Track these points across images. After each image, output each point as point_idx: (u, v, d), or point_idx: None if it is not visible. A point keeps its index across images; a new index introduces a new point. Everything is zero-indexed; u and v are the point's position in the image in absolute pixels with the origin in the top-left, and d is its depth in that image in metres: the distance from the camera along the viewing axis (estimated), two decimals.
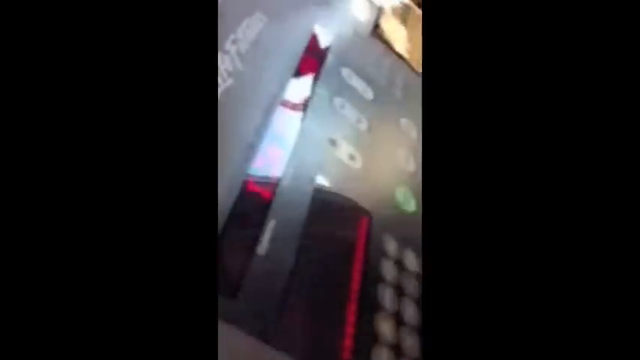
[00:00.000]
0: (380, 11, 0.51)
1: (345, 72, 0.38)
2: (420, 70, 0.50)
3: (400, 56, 0.49)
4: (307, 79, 0.34)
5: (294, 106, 0.31)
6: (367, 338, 0.24)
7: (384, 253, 0.29)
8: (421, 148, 0.39)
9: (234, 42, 0.28)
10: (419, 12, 0.61)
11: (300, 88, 0.33)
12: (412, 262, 0.30)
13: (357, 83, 0.38)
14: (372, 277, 0.27)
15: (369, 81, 0.40)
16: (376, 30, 0.48)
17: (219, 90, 0.26)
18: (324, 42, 0.38)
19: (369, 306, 0.26)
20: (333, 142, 0.32)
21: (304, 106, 0.32)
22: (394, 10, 0.55)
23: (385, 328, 0.26)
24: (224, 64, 0.27)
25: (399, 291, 0.28)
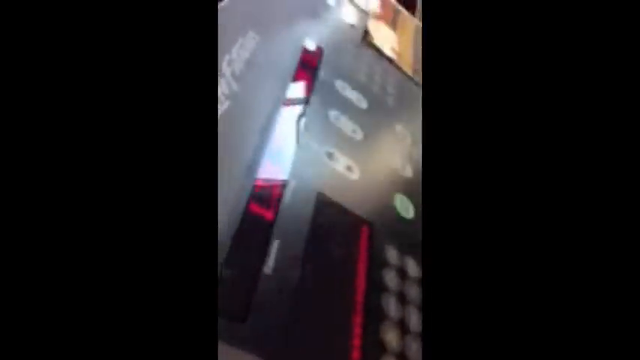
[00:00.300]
0: (368, 17, 0.52)
1: (339, 84, 0.38)
2: (411, 73, 0.50)
3: (391, 60, 0.49)
4: (302, 95, 0.35)
5: (290, 123, 0.32)
6: (374, 349, 0.25)
7: (385, 262, 0.30)
8: (416, 154, 0.40)
9: (229, 63, 0.29)
10: (406, 14, 0.61)
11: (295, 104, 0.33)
12: (413, 268, 0.31)
13: (350, 94, 0.39)
14: (375, 287, 0.28)
15: (362, 90, 0.40)
16: (366, 36, 0.49)
17: (218, 113, 0.26)
18: (316, 55, 0.39)
19: (375, 316, 0.26)
20: (330, 156, 0.32)
21: (300, 122, 0.33)
22: (382, 14, 0.55)
23: (391, 337, 0.26)
24: (221, 87, 0.27)
25: (403, 299, 0.29)
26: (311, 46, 0.39)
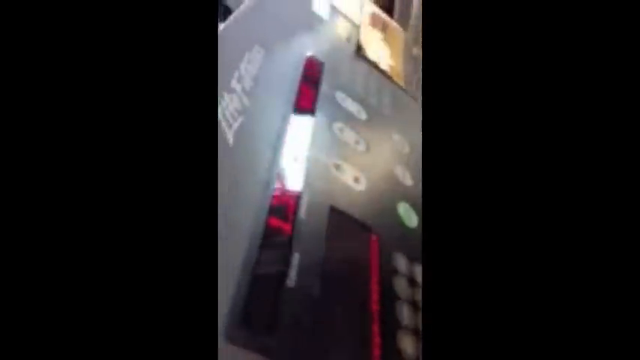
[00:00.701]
0: (360, 29, 0.53)
1: (339, 96, 0.39)
2: (403, 84, 0.52)
3: (383, 72, 0.50)
4: (307, 108, 0.35)
5: (298, 137, 0.32)
6: (393, 357, 0.26)
7: (395, 271, 0.30)
8: (415, 162, 0.41)
9: (239, 80, 0.29)
10: (395, 25, 0.63)
11: (301, 118, 0.34)
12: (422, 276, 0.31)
13: (351, 106, 0.39)
14: (388, 295, 0.28)
15: (361, 102, 0.41)
16: (359, 49, 0.49)
17: (233, 129, 0.27)
18: (316, 68, 0.39)
19: (391, 325, 0.27)
20: (338, 167, 0.33)
21: (308, 135, 0.33)
22: (373, 27, 0.56)
23: (407, 344, 0.27)
24: (233, 103, 0.28)
25: (415, 306, 0.29)
26: (311, 59, 0.39)
